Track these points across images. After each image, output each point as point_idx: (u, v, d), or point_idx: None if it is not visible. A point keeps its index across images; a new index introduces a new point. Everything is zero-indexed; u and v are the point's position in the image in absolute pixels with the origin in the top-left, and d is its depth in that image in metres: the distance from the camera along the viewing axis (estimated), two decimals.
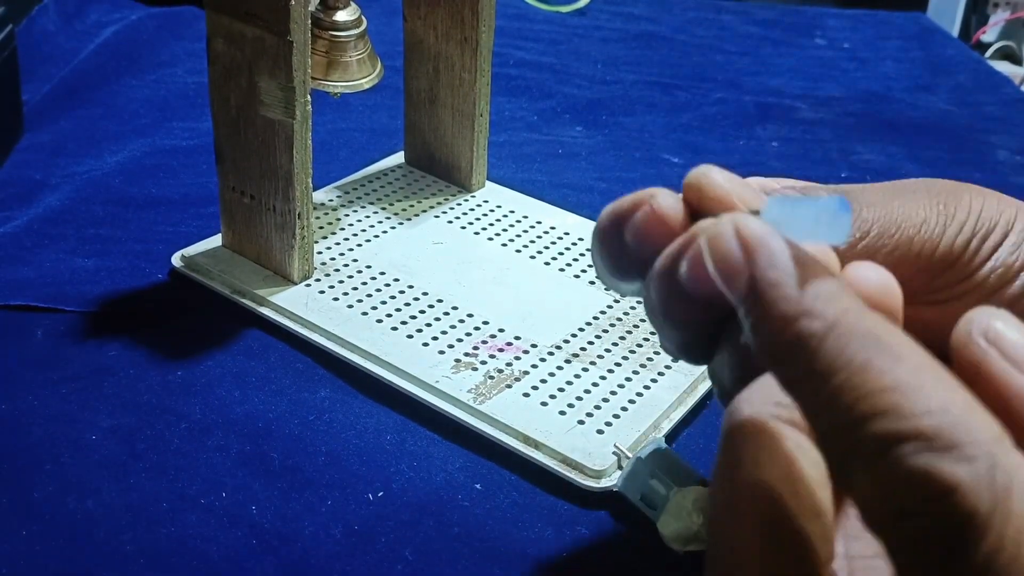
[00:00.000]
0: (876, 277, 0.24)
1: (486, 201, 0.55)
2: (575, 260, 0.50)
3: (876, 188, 0.30)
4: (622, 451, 0.38)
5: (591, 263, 0.50)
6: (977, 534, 0.17)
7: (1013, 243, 0.29)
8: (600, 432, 0.39)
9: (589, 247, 0.51)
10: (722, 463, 0.23)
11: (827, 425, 0.20)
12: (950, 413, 0.18)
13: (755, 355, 0.21)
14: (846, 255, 0.27)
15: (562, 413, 0.40)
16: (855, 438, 0.19)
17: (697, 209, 0.25)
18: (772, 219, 0.22)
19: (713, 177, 0.25)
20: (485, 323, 0.45)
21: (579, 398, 0.41)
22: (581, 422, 0.40)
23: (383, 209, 0.53)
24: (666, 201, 0.25)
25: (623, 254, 0.26)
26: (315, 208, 0.52)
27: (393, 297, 0.46)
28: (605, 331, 0.45)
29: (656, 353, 0.44)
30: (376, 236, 0.51)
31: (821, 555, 0.22)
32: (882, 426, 0.18)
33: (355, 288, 0.46)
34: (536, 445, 0.39)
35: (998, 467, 0.18)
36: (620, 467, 0.38)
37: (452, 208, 0.54)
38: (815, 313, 0.20)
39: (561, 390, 0.41)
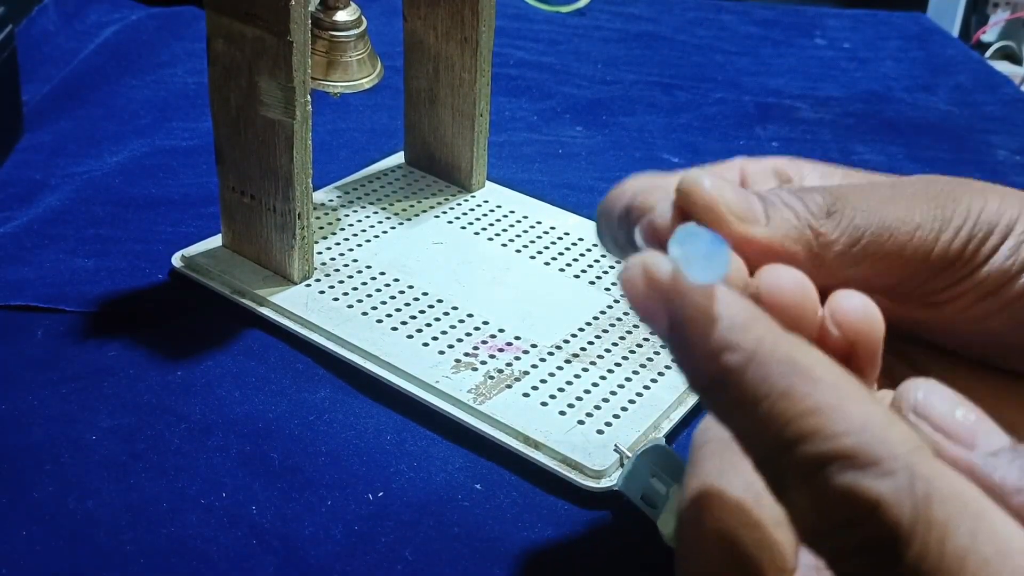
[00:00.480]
0: (860, 306, 0.24)
1: (486, 201, 0.55)
2: (575, 260, 0.50)
3: (871, 190, 0.29)
4: (623, 451, 0.38)
5: (591, 263, 0.50)
6: (903, 544, 0.18)
7: (1011, 246, 0.28)
8: (600, 432, 0.39)
9: (591, 244, 0.51)
10: (689, 479, 0.24)
11: (760, 451, 0.20)
12: (868, 430, 0.19)
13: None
14: (836, 261, 0.27)
15: (562, 413, 0.40)
16: (785, 462, 0.20)
17: (690, 217, 0.25)
18: (673, 256, 0.22)
19: (702, 184, 0.25)
20: (485, 323, 0.45)
21: (579, 398, 0.41)
22: (581, 422, 0.40)
23: (383, 209, 0.53)
24: (663, 216, 0.25)
25: (629, 244, 0.27)
26: (315, 208, 0.52)
27: (393, 297, 0.46)
28: (605, 331, 0.45)
29: (656, 353, 0.44)
30: (376, 236, 0.51)
31: (782, 563, 0.23)
32: (808, 449, 0.19)
33: (355, 288, 0.46)
34: (536, 445, 0.39)
35: (917, 477, 0.18)
36: (621, 466, 0.38)
37: (452, 208, 0.54)
38: (734, 345, 0.20)
39: (561, 390, 0.41)
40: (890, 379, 0.29)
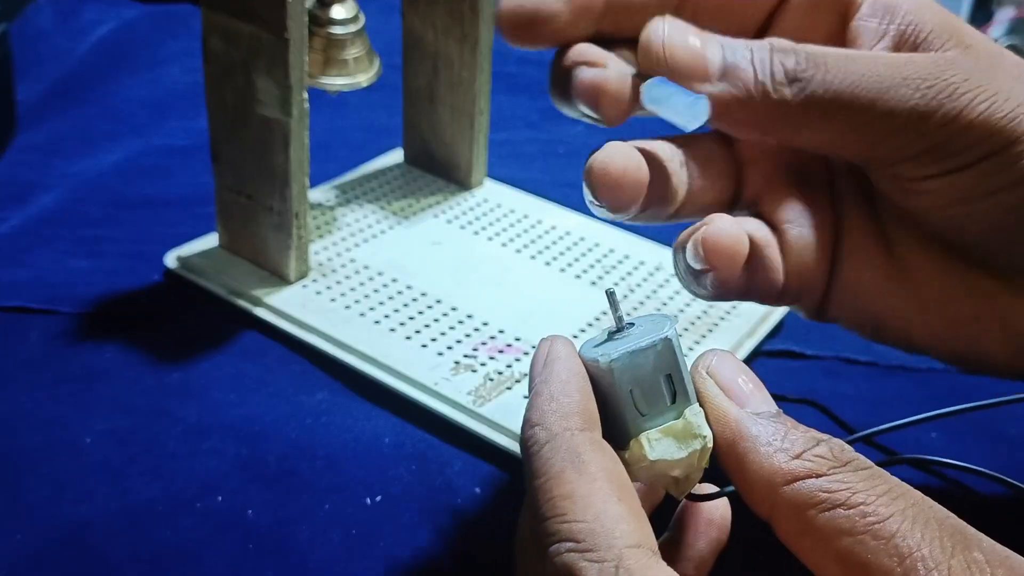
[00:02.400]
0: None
1: (486, 200, 0.54)
2: (576, 260, 0.50)
3: (861, 63, 0.28)
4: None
5: (593, 263, 0.49)
6: None
7: (1011, 157, 0.28)
8: None
9: (592, 244, 0.50)
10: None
11: (531, 518, 0.24)
12: (598, 521, 0.22)
13: None
14: (791, 121, 0.28)
15: None
16: (538, 531, 0.23)
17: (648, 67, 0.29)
18: (651, 99, 0.28)
19: (655, 39, 0.28)
20: (485, 324, 0.44)
21: None
22: None
23: (381, 208, 0.53)
24: (616, 79, 0.29)
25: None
26: (312, 207, 0.51)
27: (391, 298, 0.46)
28: None
29: None
30: (374, 236, 0.50)
31: None
32: (552, 525, 0.23)
33: (353, 289, 0.46)
34: None
35: (621, 568, 0.22)
36: None
37: (451, 207, 0.53)
38: (546, 424, 0.25)
39: None
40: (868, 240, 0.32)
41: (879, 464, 0.24)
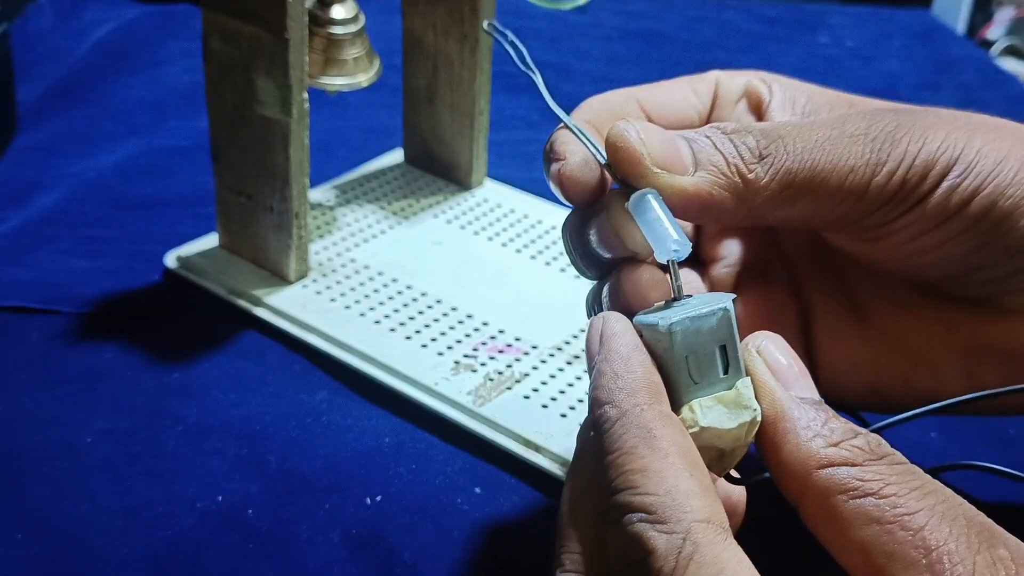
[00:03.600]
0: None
1: (486, 200, 0.54)
2: None
3: (809, 131, 0.30)
4: None
5: None
6: None
7: (948, 186, 0.29)
8: None
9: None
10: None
11: (598, 489, 0.25)
12: (670, 495, 0.23)
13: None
14: (766, 204, 0.29)
15: (563, 416, 0.39)
16: (609, 503, 0.24)
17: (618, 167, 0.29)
18: (638, 211, 0.27)
19: (628, 136, 0.28)
20: (485, 324, 0.44)
21: (581, 400, 0.40)
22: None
23: (381, 208, 0.53)
24: (575, 167, 0.29)
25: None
26: (312, 207, 0.51)
27: (391, 298, 0.45)
28: None
29: None
30: (374, 236, 0.50)
31: None
32: (624, 498, 0.24)
33: (353, 289, 0.46)
34: (537, 448, 0.38)
35: (688, 540, 0.23)
36: None
37: (451, 207, 0.53)
38: (615, 402, 0.25)
39: (562, 392, 0.41)
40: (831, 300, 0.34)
41: (928, 470, 0.24)
